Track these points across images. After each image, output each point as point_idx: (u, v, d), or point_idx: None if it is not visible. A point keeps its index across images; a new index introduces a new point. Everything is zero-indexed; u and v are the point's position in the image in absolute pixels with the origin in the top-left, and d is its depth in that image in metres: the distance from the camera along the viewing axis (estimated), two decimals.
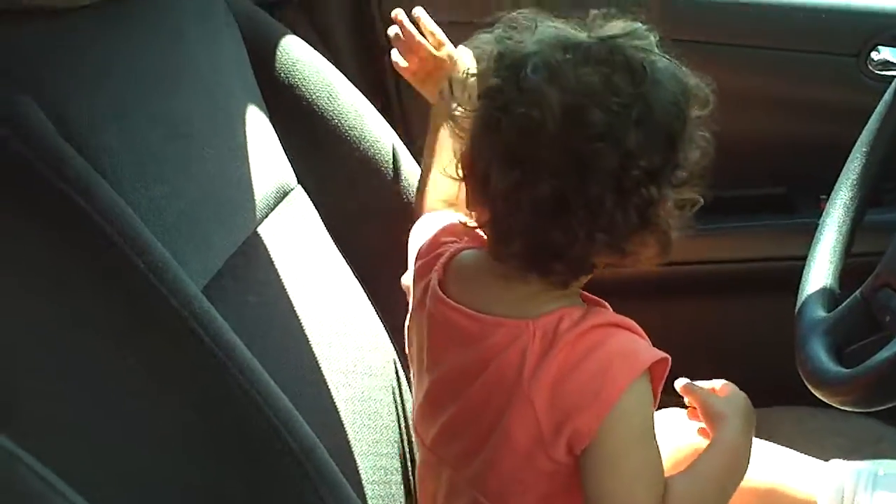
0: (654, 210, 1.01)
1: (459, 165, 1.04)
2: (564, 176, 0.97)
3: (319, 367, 1.18)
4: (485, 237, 1.08)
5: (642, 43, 1.02)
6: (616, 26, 1.03)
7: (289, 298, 1.20)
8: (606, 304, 1.12)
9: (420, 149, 1.34)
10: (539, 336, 1.02)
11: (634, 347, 1.03)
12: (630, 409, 1.01)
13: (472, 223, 1.09)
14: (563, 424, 1.01)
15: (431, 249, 1.14)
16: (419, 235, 1.21)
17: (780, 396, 1.44)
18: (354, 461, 1.14)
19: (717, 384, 1.21)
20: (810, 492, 1.32)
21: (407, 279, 1.20)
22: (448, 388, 1.08)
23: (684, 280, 1.85)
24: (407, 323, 1.15)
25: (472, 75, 1.03)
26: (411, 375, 1.16)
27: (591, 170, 0.97)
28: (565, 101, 0.97)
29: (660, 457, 1.07)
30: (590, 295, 1.11)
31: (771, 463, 1.35)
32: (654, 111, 0.99)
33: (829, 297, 1.34)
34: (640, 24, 1.04)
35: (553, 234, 0.99)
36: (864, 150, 1.43)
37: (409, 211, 1.40)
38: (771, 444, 1.39)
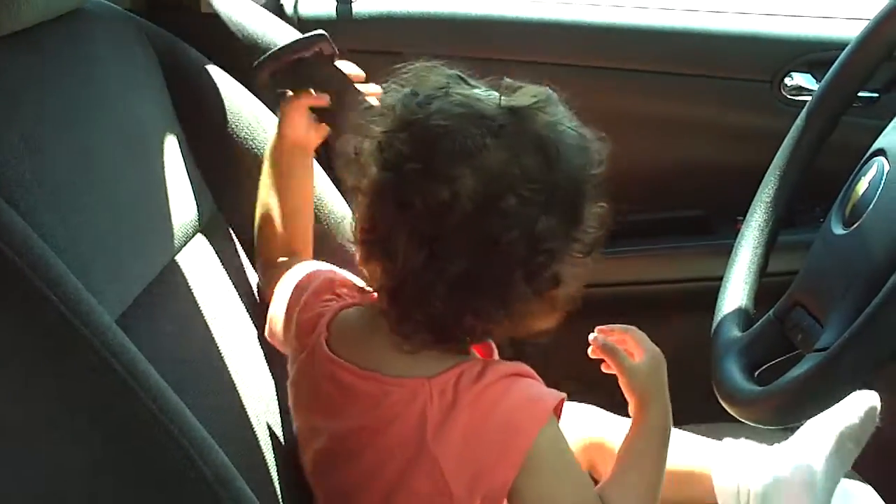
0: (556, 285, 1.04)
1: (358, 229, 1.04)
2: (475, 258, 0.98)
3: (238, 396, 1.17)
4: (374, 296, 1.08)
5: (551, 114, 1.03)
6: (527, 93, 1.03)
7: (207, 328, 1.19)
8: (494, 348, 1.14)
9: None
10: (437, 394, 1.02)
11: (537, 394, 1.04)
12: (545, 454, 1.02)
13: (363, 284, 1.10)
14: (475, 482, 1.02)
15: (311, 307, 1.14)
16: (288, 288, 1.20)
17: (699, 414, 1.46)
18: (275, 491, 1.13)
19: (631, 334, 1.24)
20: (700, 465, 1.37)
21: (275, 329, 1.21)
22: (345, 447, 1.08)
23: (603, 301, 1.87)
24: (292, 376, 1.15)
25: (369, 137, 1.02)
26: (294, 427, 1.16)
27: (502, 254, 0.98)
28: (478, 184, 0.97)
29: (588, 480, 1.09)
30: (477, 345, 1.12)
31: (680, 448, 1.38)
32: (562, 194, 1.01)
33: (744, 317, 1.37)
34: (550, 92, 1.05)
35: (460, 311, 1.01)
36: (777, 173, 1.46)
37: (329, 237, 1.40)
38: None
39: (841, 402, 1.30)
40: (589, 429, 1.42)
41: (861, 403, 1.37)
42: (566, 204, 1.02)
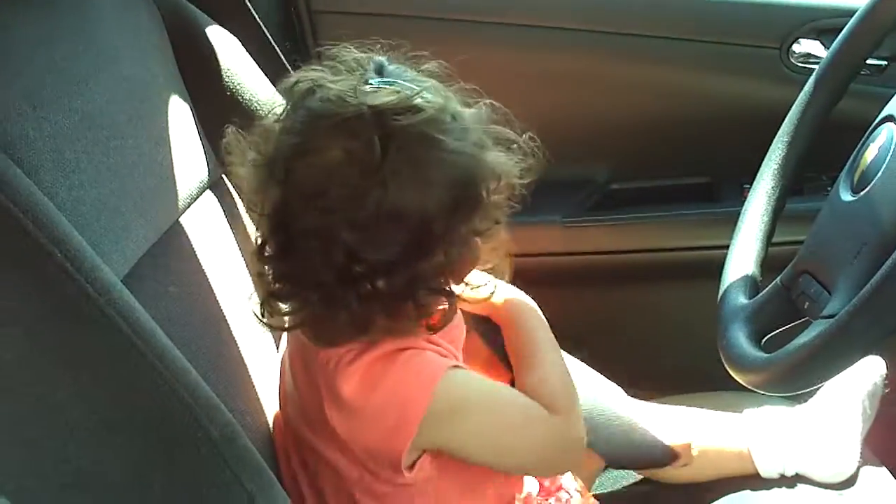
0: (395, 297, 1.00)
1: None
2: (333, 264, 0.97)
3: (241, 357, 1.18)
4: None
5: (418, 117, 0.97)
6: (386, 94, 0.99)
7: (210, 289, 1.19)
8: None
9: None
10: (332, 367, 1.03)
11: (418, 364, 1.03)
12: (453, 407, 1.03)
13: None
14: (377, 453, 1.03)
15: None
16: None
17: (706, 382, 1.46)
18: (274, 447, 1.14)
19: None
20: (739, 445, 1.37)
21: None
22: (303, 416, 1.10)
23: (611, 269, 1.88)
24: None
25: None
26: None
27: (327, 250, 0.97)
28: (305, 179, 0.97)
29: (511, 397, 1.10)
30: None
31: (693, 425, 1.38)
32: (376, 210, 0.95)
33: (751, 285, 1.36)
34: (425, 89, 1.01)
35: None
36: (785, 140, 1.45)
37: None
38: (690, 408, 1.42)
39: (852, 367, 1.30)
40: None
41: (875, 368, 1.37)
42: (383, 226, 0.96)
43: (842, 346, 1.11)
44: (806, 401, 1.40)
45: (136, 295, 0.94)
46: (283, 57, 1.54)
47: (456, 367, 1.05)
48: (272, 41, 1.52)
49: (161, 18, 1.36)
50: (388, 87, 0.99)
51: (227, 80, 1.40)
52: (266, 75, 1.45)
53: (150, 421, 0.91)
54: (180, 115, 1.30)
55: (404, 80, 1.02)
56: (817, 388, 1.40)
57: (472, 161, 1.00)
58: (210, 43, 1.41)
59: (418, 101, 0.98)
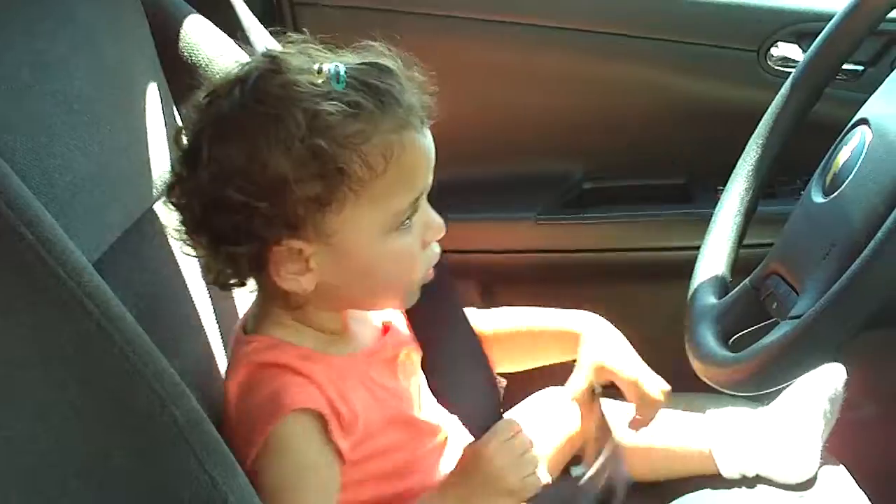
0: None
1: None
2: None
3: (208, 343, 1.19)
4: None
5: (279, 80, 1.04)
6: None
7: (181, 276, 1.19)
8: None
9: None
10: (232, 355, 1.12)
11: (277, 396, 1.05)
12: (276, 451, 1.04)
13: None
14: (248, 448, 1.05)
15: None
16: None
17: (674, 382, 1.47)
18: None
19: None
20: (701, 445, 1.38)
21: None
22: None
23: (584, 267, 1.88)
24: None
25: None
26: None
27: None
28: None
29: (319, 482, 1.07)
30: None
31: (656, 424, 1.39)
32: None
33: (721, 285, 1.38)
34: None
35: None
36: (759, 142, 1.47)
37: None
38: None
39: (816, 372, 1.32)
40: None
41: (836, 375, 1.38)
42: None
43: (807, 346, 1.12)
44: (769, 403, 1.41)
45: (106, 279, 0.94)
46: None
47: (305, 410, 1.05)
48: (248, 28, 1.51)
49: (142, 6, 1.36)
50: None
51: (206, 68, 1.40)
52: None
53: (116, 404, 0.90)
54: (158, 103, 1.30)
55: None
56: (780, 391, 1.41)
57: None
58: (191, 32, 1.41)
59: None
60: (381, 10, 1.78)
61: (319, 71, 1.04)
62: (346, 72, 1.04)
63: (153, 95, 1.30)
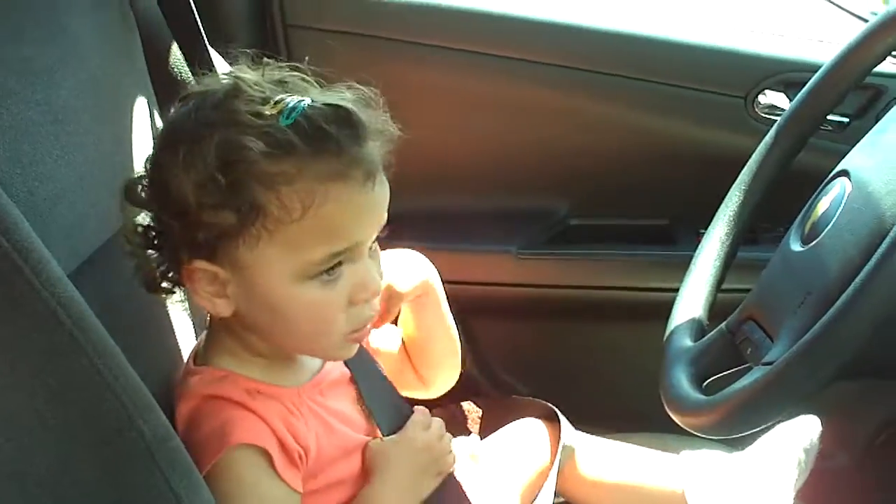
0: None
1: None
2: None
3: (182, 360, 1.18)
4: None
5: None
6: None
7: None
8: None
9: None
10: (182, 385, 1.11)
11: (224, 429, 1.05)
12: (219, 483, 1.03)
13: None
14: None
15: None
16: None
17: (650, 422, 1.47)
18: None
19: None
20: (674, 485, 1.38)
21: None
22: None
23: (563, 303, 1.89)
24: None
25: None
26: None
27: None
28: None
29: None
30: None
31: (630, 462, 1.40)
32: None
33: (697, 328, 1.38)
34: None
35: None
36: (742, 188, 1.48)
37: None
38: (627, 444, 1.44)
39: (792, 421, 1.32)
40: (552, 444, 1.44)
41: (812, 426, 1.39)
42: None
43: (778, 393, 1.12)
44: (744, 448, 1.41)
45: (82, 291, 0.94)
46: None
47: (249, 445, 1.05)
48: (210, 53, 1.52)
49: (135, 20, 1.36)
50: None
51: (185, 75, 1.40)
52: None
53: (84, 417, 0.90)
54: (145, 117, 1.31)
55: None
56: (756, 437, 1.41)
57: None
58: (178, 49, 1.41)
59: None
60: (373, 37, 1.79)
61: (277, 103, 1.02)
62: (305, 109, 1.01)
63: (141, 109, 1.30)
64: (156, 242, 1.08)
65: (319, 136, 1.00)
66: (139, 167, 1.23)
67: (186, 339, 1.22)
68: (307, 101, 1.02)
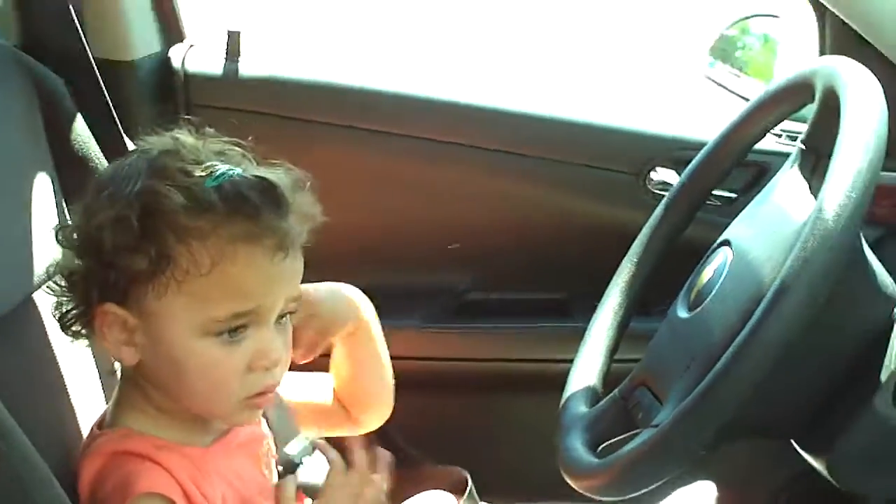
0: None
1: None
2: None
3: (82, 435, 1.18)
4: None
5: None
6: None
7: (57, 364, 1.20)
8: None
9: None
10: (87, 448, 1.12)
11: (128, 480, 1.05)
12: None
13: None
14: None
15: None
16: None
17: (552, 490, 1.49)
18: None
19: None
20: None
21: None
22: None
23: (466, 376, 1.91)
24: None
25: None
26: None
27: None
28: None
29: None
30: None
31: None
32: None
33: (592, 395, 1.41)
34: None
35: None
36: (633, 259, 1.52)
37: None
38: None
39: (687, 488, 1.35)
40: None
41: (707, 491, 1.42)
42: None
43: (662, 454, 1.16)
44: None
45: None
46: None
47: (154, 494, 1.05)
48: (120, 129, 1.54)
49: (34, 88, 1.38)
50: None
51: (97, 161, 1.42)
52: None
53: None
54: (44, 188, 1.32)
55: None
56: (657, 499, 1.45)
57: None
58: (83, 126, 1.43)
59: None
60: (275, 116, 1.83)
61: (209, 167, 1.05)
62: (233, 177, 1.05)
63: (39, 180, 1.31)
64: (72, 282, 1.09)
65: (239, 199, 1.04)
66: (39, 242, 1.25)
67: (89, 408, 1.22)
68: (238, 170, 1.06)
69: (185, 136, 1.11)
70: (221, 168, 1.06)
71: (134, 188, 1.04)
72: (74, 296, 1.09)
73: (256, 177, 1.07)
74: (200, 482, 1.08)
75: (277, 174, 1.09)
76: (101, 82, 1.56)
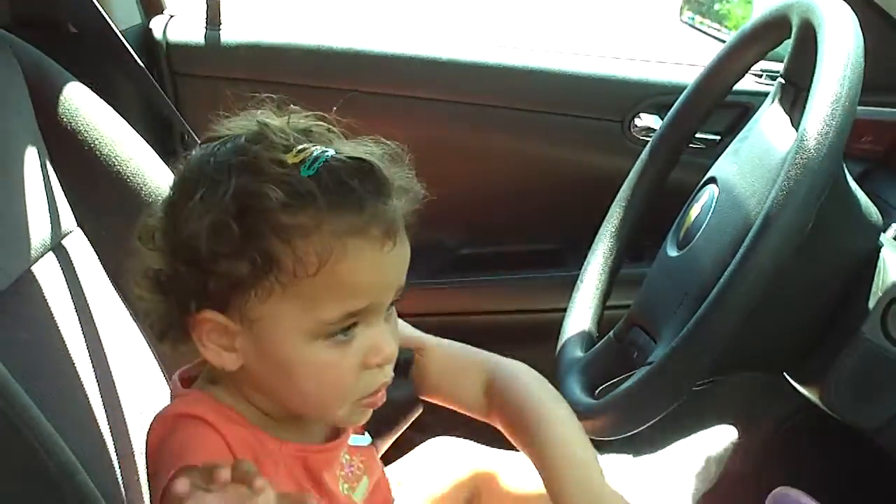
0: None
1: None
2: None
3: (89, 403, 1.20)
4: None
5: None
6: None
7: (62, 337, 1.21)
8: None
9: None
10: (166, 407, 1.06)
11: (186, 448, 0.98)
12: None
13: None
14: None
15: None
16: None
17: None
18: (118, 484, 1.15)
19: None
20: None
21: None
22: None
23: (461, 331, 1.92)
24: None
25: None
26: None
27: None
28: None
29: None
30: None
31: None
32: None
33: (587, 339, 1.44)
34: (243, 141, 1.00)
35: None
36: (621, 205, 1.54)
37: None
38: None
39: (707, 431, 1.37)
40: (472, 462, 1.40)
41: (726, 435, 1.43)
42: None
43: (657, 390, 1.18)
44: (653, 452, 1.46)
45: None
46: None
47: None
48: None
49: (22, 73, 1.38)
50: None
51: (86, 134, 1.42)
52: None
53: None
54: (36, 169, 1.33)
55: None
56: (670, 442, 1.46)
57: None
58: (70, 99, 1.43)
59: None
60: (258, 82, 1.83)
61: (301, 151, 0.97)
62: (328, 160, 0.97)
63: (31, 161, 1.32)
64: (165, 288, 1.01)
65: (341, 189, 0.96)
66: (33, 216, 1.26)
67: (91, 379, 1.23)
68: (331, 152, 0.98)
69: (269, 117, 1.02)
70: (314, 151, 0.97)
71: (228, 189, 0.95)
72: (167, 302, 1.01)
73: (352, 158, 0.99)
74: (263, 465, 1.01)
75: (370, 150, 1.02)
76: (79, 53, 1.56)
